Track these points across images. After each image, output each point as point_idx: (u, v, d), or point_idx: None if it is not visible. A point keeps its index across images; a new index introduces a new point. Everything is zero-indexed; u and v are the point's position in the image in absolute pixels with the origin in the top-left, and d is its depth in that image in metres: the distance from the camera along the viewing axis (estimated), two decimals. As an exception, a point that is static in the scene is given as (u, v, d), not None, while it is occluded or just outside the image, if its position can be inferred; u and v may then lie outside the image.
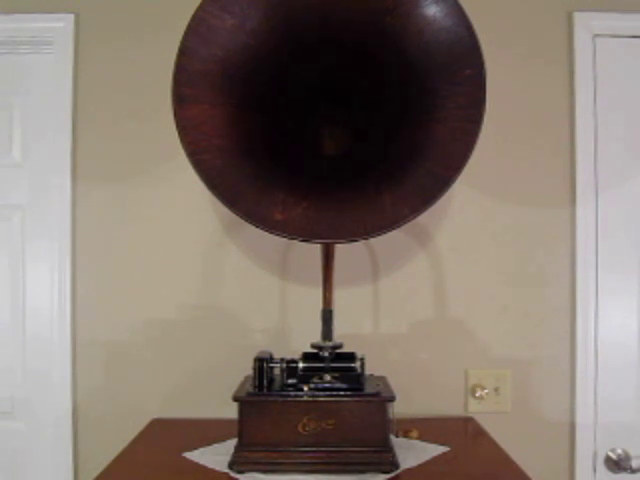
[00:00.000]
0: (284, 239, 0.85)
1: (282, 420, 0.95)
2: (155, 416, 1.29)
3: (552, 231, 1.34)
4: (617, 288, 1.34)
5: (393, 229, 0.83)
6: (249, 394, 0.97)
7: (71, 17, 1.33)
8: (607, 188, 1.34)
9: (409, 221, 0.83)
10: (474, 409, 1.32)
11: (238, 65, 0.88)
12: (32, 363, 1.34)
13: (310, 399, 0.96)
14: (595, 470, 1.31)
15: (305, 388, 0.97)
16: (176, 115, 0.85)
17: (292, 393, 0.96)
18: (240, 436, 0.96)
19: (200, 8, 0.85)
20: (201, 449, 1.06)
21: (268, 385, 0.98)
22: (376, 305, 1.34)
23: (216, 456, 1.01)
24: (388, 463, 0.94)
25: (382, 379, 1.07)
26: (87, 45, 1.34)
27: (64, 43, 1.32)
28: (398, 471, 0.94)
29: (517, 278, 1.34)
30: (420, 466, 0.98)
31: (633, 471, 1.27)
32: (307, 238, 0.83)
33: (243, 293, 1.33)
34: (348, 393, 0.96)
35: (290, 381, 0.98)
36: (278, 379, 1.00)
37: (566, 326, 1.33)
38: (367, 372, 1.01)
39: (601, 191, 1.34)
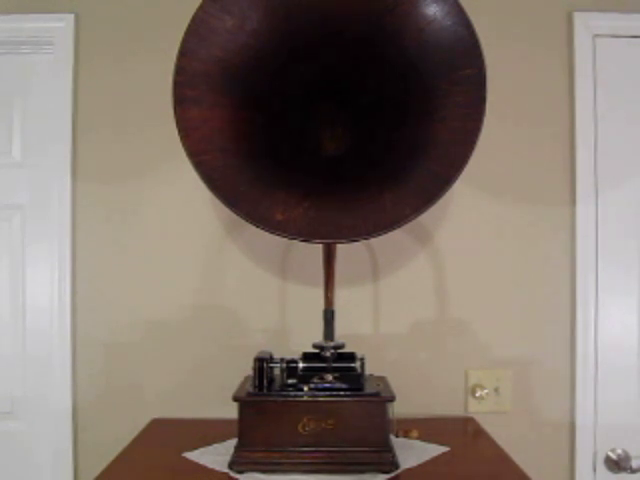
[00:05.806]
0: (285, 239, 0.85)
1: (282, 420, 0.95)
2: (155, 416, 1.29)
3: (552, 231, 1.34)
4: (617, 288, 1.34)
5: (394, 229, 0.83)
6: (249, 394, 0.97)
7: (71, 17, 1.33)
8: (607, 187, 1.34)
9: (410, 221, 0.83)
10: (474, 409, 1.32)
11: (238, 65, 0.88)
12: (32, 363, 1.34)
13: (310, 399, 0.96)
14: (595, 470, 1.31)
15: (305, 388, 0.97)
16: (177, 116, 0.84)
17: (292, 393, 0.96)
18: (240, 436, 0.96)
19: (200, 9, 0.85)
20: (201, 449, 1.06)
21: (268, 385, 0.98)
22: (376, 305, 1.34)
23: (216, 456, 1.01)
24: (388, 463, 0.94)
25: (382, 379, 1.07)
26: (87, 45, 1.34)
27: (64, 43, 1.32)
28: (398, 471, 0.94)
29: (517, 278, 1.34)
30: (420, 466, 0.98)
31: (633, 471, 1.27)
32: (308, 238, 0.83)
33: (243, 293, 1.33)
34: (348, 393, 0.96)
35: (290, 381, 0.98)
36: (278, 379, 1.00)
37: (566, 326, 1.33)
38: (367, 372, 1.01)
39: (601, 190, 1.34)
